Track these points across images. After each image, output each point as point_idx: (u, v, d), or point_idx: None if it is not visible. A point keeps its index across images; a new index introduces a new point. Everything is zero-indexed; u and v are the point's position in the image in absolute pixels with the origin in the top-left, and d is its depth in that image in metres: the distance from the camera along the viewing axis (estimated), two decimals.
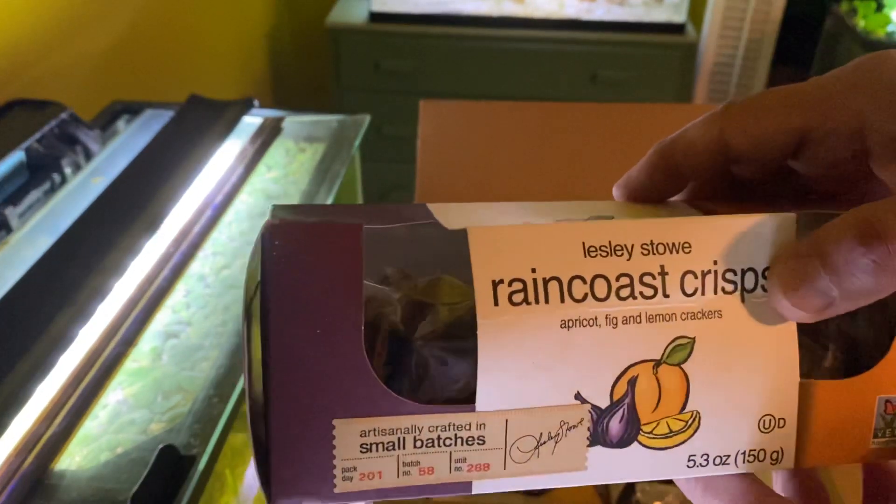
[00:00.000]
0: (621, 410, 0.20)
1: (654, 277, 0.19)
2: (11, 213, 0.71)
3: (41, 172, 0.76)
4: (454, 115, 1.11)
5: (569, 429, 0.19)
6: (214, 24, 1.52)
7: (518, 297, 0.18)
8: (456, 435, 0.19)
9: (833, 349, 0.22)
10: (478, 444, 0.19)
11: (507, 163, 1.01)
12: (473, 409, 0.19)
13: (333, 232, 0.18)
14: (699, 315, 0.20)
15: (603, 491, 0.73)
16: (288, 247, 0.17)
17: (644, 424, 0.20)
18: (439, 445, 0.19)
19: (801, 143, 0.22)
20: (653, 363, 0.20)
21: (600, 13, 1.79)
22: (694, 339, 0.20)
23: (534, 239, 0.19)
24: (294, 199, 0.85)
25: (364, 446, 0.18)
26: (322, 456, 0.18)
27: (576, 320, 0.19)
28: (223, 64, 1.59)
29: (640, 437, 0.20)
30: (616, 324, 0.19)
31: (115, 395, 0.60)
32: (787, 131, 0.21)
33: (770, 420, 0.21)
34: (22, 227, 0.71)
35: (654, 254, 0.19)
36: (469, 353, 0.19)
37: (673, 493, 0.65)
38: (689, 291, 0.20)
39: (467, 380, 0.19)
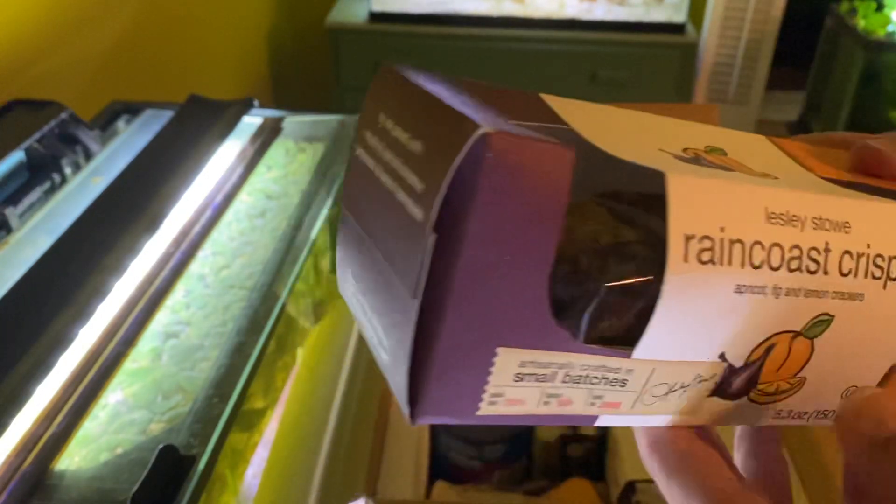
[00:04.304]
0: (750, 371, 0.21)
1: (819, 253, 0.20)
2: (11, 213, 0.71)
3: (41, 172, 0.76)
4: None
5: (700, 381, 0.20)
6: (214, 24, 1.52)
7: (706, 256, 0.18)
8: (603, 375, 0.19)
9: None
10: (619, 385, 0.20)
11: None
12: (628, 356, 0.19)
13: (548, 154, 0.16)
14: (846, 296, 0.20)
15: (603, 491, 0.73)
16: (500, 164, 0.16)
17: (760, 384, 0.21)
18: (585, 382, 0.19)
19: None
20: (792, 334, 0.20)
21: (600, 13, 1.79)
22: (834, 317, 0.21)
23: (725, 197, 0.19)
24: (294, 199, 0.85)
25: (518, 375, 0.18)
26: (477, 380, 0.18)
27: (749, 286, 0.19)
28: (223, 64, 1.59)
29: (751, 393, 0.21)
30: (779, 294, 0.20)
31: (114, 395, 0.60)
32: None
33: (853, 390, 0.22)
34: (22, 228, 0.71)
35: (821, 229, 0.20)
36: (634, 295, 0.19)
37: None
38: (845, 272, 0.20)
39: (623, 322, 0.19)
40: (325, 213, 0.83)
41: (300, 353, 0.84)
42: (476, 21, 1.78)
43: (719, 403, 0.21)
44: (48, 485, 0.51)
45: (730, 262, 0.19)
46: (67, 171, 0.79)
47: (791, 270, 0.19)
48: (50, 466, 0.52)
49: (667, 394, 0.20)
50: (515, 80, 1.80)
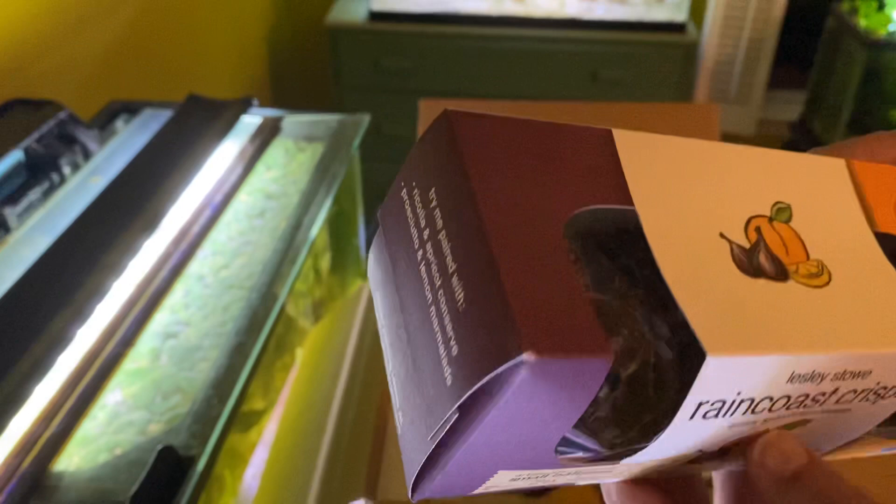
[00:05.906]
0: (722, 450, 0.21)
1: (825, 395, 0.20)
2: (10, 212, 0.71)
3: (40, 172, 0.76)
4: None
5: (676, 462, 0.21)
6: (214, 23, 1.51)
7: (711, 413, 0.18)
8: (592, 472, 0.20)
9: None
10: (602, 474, 0.20)
11: None
12: (617, 462, 0.19)
13: (585, 369, 0.16)
14: (832, 412, 0.20)
15: None
16: (533, 381, 0.16)
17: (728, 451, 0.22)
18: (572, 475, 0.20)
19: None
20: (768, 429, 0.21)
21: (601, 12, 1.79)
22: (812, 420, 0.21)
23: (756, 368, 0.18)
24: (293, 199, 0.85)
25: (513, 480, 0.19)
26: (474, 484, 0.19)
27: (742, 423, 0.19)
28: (222, 63, 1.58)
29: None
30: (768, 423, 0.20)
31: (113, 395, 0.60)
32: None
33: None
34: (20, 227, 0.71)
35: (838, 380, 0.19)
36: (637, 437, 0.19)
37: None
38: (843, 401, 0.20)
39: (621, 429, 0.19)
40: (324, 213, 0.83)
41: (299, 353, 0.84)
42: (476, 20, 1.78)
43: (688, 466, 0.21)
44: (47, 485, 0.51)
45: (732, 415, 0.19)
46: (66, 170, 0.79)
47: (788, 409, 0.19)
48: (49, 467, 0.52)
49: (643, 470, 0.21)
50: (516, 79, 1.80)
